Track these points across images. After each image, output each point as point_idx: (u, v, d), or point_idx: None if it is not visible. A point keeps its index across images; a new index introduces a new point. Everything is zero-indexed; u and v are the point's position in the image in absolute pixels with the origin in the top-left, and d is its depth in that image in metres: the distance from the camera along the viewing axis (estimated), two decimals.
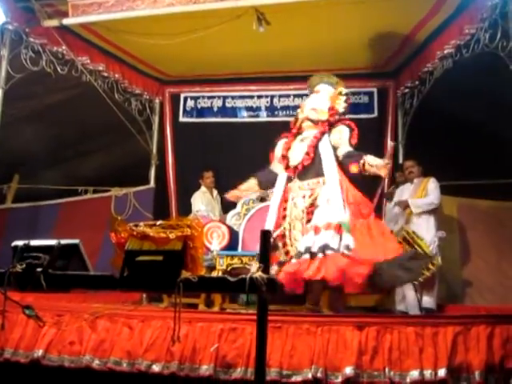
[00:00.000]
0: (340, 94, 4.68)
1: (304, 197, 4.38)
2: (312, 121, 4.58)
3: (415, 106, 6.96)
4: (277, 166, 4.71)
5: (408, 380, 3.62)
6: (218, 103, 7.83)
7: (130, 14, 5.43)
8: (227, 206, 6.14)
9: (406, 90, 7.08)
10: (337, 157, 4.37)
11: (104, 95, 6.71)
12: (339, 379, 3.65)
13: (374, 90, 7.47)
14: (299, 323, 3.87)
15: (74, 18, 5.62)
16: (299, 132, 4.63)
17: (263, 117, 7.65)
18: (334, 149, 4.36)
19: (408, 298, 5.73)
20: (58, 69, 6.05)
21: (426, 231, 5.81)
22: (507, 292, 6.05)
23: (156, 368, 3.86)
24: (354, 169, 4.25)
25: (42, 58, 5.88)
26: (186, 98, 7.93)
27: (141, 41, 5.82)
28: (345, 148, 4.41)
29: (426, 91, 6.64)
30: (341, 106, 4.62)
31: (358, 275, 4.07)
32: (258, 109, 7.66)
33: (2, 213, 7.67)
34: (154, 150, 7.83)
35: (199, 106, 7.88)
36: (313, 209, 4.31)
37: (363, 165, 4.25)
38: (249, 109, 7.71)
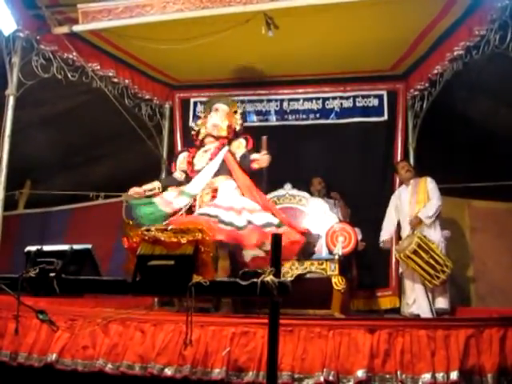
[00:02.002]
0: (235, 112, 5.56)
1: (208, 193, 5.16)
2: (213, 136, 5.38)
3: (425, 109, 6.94)
4: (178, 174, 5.46)
5: (420, 383, 3.61)
6: None
7: (140, 19, 5.45)
8: None
9: (416, 93, 7.04)
10: (235, 159, 5.28)
11: (114, 101, 6.74)
12: (351, 382, 3.65)
13: (384, 92, 7.43)
14: (311, 326, 3.88)
15: (83, 24, 5.64)
16: (201, 145, 5.43)
17: (272, 121, 7.63)
18: (233, 154, 5.27)
19: (419, 300, 5.71)
20: (69, 75, 6.08)
21: (434, 233, 5.82)
22: None
23: (168, 372, 3.88)
24: (254, 166, 5.14)
25: (53, 64, 5.91)
26: (195, 103, 7.94)
27: (150, 46, 5.84)
28: (241, 151, 5.34)
29: (437, 93, 6.61)
30: (237, 123, 5.50)
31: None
32: (268, 113, 7.66)
33: (14, 218, 7.73)
34: (165, 155, 7.85)
35: None
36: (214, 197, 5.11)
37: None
38: (258, 113, 7.70)
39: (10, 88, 5.59)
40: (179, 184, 5.39)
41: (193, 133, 5.57)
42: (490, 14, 5.09)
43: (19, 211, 7.94)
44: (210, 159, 5.24)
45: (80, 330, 4.16)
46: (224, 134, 5.39)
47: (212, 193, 5.17)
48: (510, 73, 5.63)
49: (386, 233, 6.33)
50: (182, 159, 5.52)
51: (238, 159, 5.27)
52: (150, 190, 5.35)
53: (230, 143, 5.42)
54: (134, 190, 5.33)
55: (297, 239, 4.87)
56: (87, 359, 4.07)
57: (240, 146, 5.34)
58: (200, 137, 5.44)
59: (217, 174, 5.22)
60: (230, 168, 5.24)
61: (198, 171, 5.25)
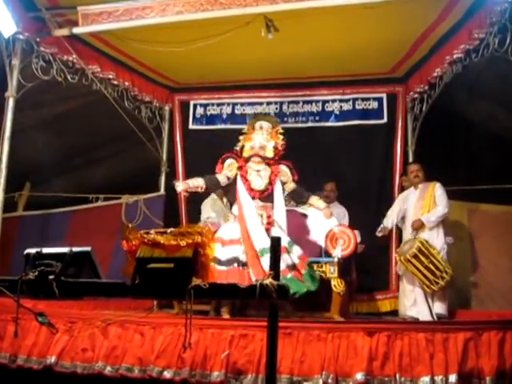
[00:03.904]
0: (278, 132, 5.56)
1: (262, 216, 5.23)
2: (260, 156, 5.40)
3: (425, 111, 6.94)
4: (222, 178, 5.44)
5: None
6: (227, 110, 7.86)
7: (140, 22, 5.47)
8: None
9: (416, 95, 7.06)
10: (284, 189, 5.43)
11: (114, 103, 6.75)
12: None
13: (384, 95, 7.45)
14: (310, 329, 3.88)
15: (83, 27, 5.66)
16: (246, 161, 5.45)
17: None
18: (283, 183, 5.41)
19: (419, 304, 5.71)
20: (69, 77, 6.10)
21: (437, 238, 5.82)
22: None
23: (167, 374, 3.88)
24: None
25: (53, 67, 5.92)
26: (195, 105, 7.96)
27: (150, 49, 5.84)
28: (291, 185, 5.50)
29: (436, 96, 6.62)
30: (280, 144, 5.51)
31: None
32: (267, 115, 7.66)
33: (13, 221, 7.71)
34: (164, 157, 7.86)
35: (208, 113, 7.90)
36: (269, 226, 5.19)
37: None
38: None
39: (10, 90, 5.60)
40: (220, 188, 5.55)
41: (237, 148, 5.56)
42: (489, 17, 5.11)
43: (18, 213, 7.92)
44: (270, 184, 5.33)
45: (79, 332, 4.15)
46: (271, 155, 5.44)
47: (267, 218, 5.24)
48: (509, 76, 5.63)
49: (385, 222, 6.33)
50: (229, 165, 5.50)
51: (289, 191, 5.45)
52: (196, 188, 5.38)
53: (275, 166, 5.49)
54: (184, 184, 5.39)
55: None
56: (86, 362, 4.07)
57: (286, 176, 5.47)
58: (245, 154, 5.46)
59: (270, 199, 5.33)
60: (277, 197, 5.33)
61: (260, 191, 5.31)
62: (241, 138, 5.60)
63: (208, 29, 5.47)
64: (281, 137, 5.54)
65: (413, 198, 6.18)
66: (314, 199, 5.50)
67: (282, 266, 4.74)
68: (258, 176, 5.37)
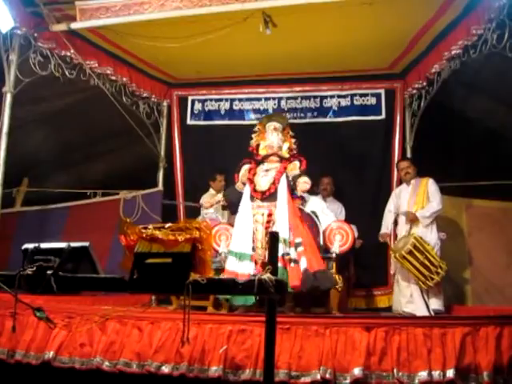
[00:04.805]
0: (289, 132, 5.66)
1: (263, 214, 5.24)
2: (278, 156, 5.50)
3: (423, 107, 6.94)
4: (240, 186, 5.57)
5: (416, 381, 3.63)
6: (225, 106, 7.85)
7: (138, 17, 5.45)
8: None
9: (414, 91, 7.06)
10: (289, 182, 5.37)
11: (112, 99, 6.74)
12: (348, 380, 3.67)
13: (382, 91, 7.45)
14: (308, 325, 3.89)
15: (81, 22, 5.63)
16: (262, 161, 5.52)
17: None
18: (288, 177, 5.37)
19: (415, 299, 5.72)
20: (67, 73, 6.08)
21: (430, 234, 5.83)
22: None
23: (165, 369, 3.89)
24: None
25: (51, 62, 5.91)
26: (193, 101, 7.95)
27: (148, 44, 5.84)
28: (295, 172, 5.45)
29: (434, 92, 6.62)
30: (293, 144, 5.62)
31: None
32: (266, 111, 7.65)
33: (11, 216, 7.70)
34: (162, 153, 7.85)
35: (207, 109, 7.90)
36: (269, 224, 5.19)
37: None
38: (256, 111, 7.72)
39: (8, 85, 5.59)
40: (241, 196, 5.49)
41: (252, 147, 5.65)
42: (487, 13, 5.11)
43: (16, 209, 7.91)
44: (273, 183, 5.31)
45: (77, 327, 4.16)
46: (286, 156, 5.54)
47: (268, 217, 5.25)
48: (507, 72, 5.64)
49: (384, 228, 6.36)
50: (244, 172, 5.60)
51: (291, 179, 5.40)
52: (217, 203, 5.77)
53: (284, 162, 5.53)
54: (205, 204, 5.83)
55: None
56: (84, 357, 4.08)
57: (294, 168, 5.45)
58: (261, 152, 5.55)
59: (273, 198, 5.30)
60: (281, 193, 5.30)
61: (262, 192, 5.32)
62: (253, 135, 5.68)
63: (206, 24, 5.45)
64: (293, 139, 5.64)
65: (405, 194, 6.19)
66: (301, 178, 5.39)
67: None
68: (265, 176, 5.40)
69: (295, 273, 4.94)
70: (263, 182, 5.36)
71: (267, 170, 5.42)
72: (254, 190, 5.36)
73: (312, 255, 5.07)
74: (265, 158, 5.51)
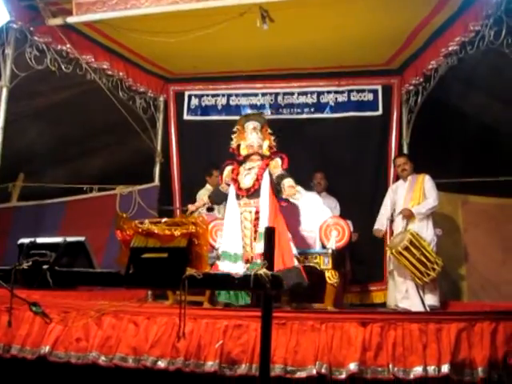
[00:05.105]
0: (267, 130, 5.61)
1: (250, 212, 5.27)
2: (260, 155, 5.48)
3: (420, 104, 6.94)
4: (224, 187, 5.60)
5: (412, 376, 3.65)
6: (222, 101, 7.84)
7: (134, 11, 5.42)
8: None
9: (411, 88, 7.05)
10: (272, 180, 5.33)
11: (108, 93, 6.72)
12: (343, 375, 3.68)
13: (379, 87, 7.45)
14: (303, 320, 3.90)
15: (78, 16, 5.60)
16: (244, 160, 5.53)
17: (267, 114, 7.61)
18: (271, 175, 5.34)
19: (411, 295, 5.73)
20: (63, 67, 6.05)
21: (426, 230, 5.84)
22: None
23: (161, 364, 3.90)
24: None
25: (47, 56, 5.88)
26: (190, 96, 7.94)
27: (145, 39, 5.82)
28: (278, 171, 5.36)
29: (431, 88, 6.62)
30: (273, 144, 5.58)
31: None
32: (262, 106, 7.65)
33: (7, 211, 7.70)
34: (159, 148, 7.84)
35: (203, 104, 7.88)
36: (257, 222, 5.20)
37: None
38: (253, 106, 7.70)
39: (3, 80, 5.57)
40: (225, 197, 5.52)
41: (232, 147, 5.63)
42: (484, 9, 5.10)
43: (12, 204, 7.90)
44: (257, 180, 5.32)
45: (73, 322, 4.16)
46: (267, 153, 5.53)
47: (255, 214, 5.25)
48: (504, 68, 5.64)
49: (379, 223, 6.36)
50: (227, 173, 5.60)
51: (275, 179, 5.32)
52: (204, 205, 5.74)
53: (265, 160, 5.52)
54: (190, 209, 5.69)
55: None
56: (80, 351, 4.08)
57: (277, 166, 5.39)
58: (242, 152, 5.55)
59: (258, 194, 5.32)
60: (263, 189, 5.29)
61: (246, 190, 5.32)
62: (233, 136, 5.65)
63: (203, 19, 5.44)
64: (272, 137, 5.59)
65: (402, 190, 6.19)
66: (286, 180, 5.22)
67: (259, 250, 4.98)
68: (248, 174, 5.41)
69: None
70: (246, 180, 5.39)
71: (250, 169, 5.44)
72: (239, 188, 5.39)
73: (279, 255, 4.88)
74: (246, 158, 5.51)
